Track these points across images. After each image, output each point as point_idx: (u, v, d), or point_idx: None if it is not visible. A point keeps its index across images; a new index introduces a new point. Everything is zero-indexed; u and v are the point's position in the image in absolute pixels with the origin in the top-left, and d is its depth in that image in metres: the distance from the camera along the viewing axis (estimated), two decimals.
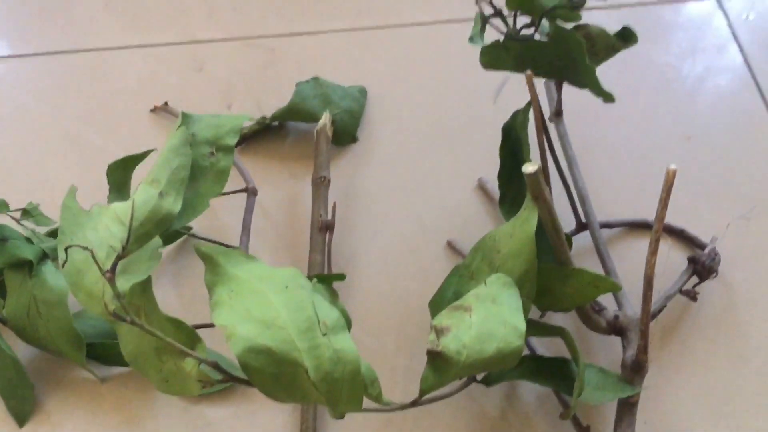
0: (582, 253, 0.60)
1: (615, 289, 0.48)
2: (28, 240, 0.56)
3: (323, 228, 0.58)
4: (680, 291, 0.56)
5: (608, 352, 0.56)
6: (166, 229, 0.44)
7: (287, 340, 0.39)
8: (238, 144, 0.66)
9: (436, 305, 0.50)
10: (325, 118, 0.63)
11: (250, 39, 0.76)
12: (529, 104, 0.51)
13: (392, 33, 0.76)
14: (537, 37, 0.50)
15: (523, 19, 0.52)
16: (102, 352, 0.55)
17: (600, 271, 0.55)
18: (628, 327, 0.52)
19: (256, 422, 0.54)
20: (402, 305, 0.59)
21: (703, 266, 0.57)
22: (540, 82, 0.65)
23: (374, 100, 0.71)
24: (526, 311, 0.45)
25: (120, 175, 0.51)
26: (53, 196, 0.64)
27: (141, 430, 0.53)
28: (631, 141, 0.68)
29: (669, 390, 0.55)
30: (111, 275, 0.40)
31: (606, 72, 0.70)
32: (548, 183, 0.51)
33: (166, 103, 0.70)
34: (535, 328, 0.49)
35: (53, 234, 0.60)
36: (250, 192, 0.60)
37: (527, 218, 0.46)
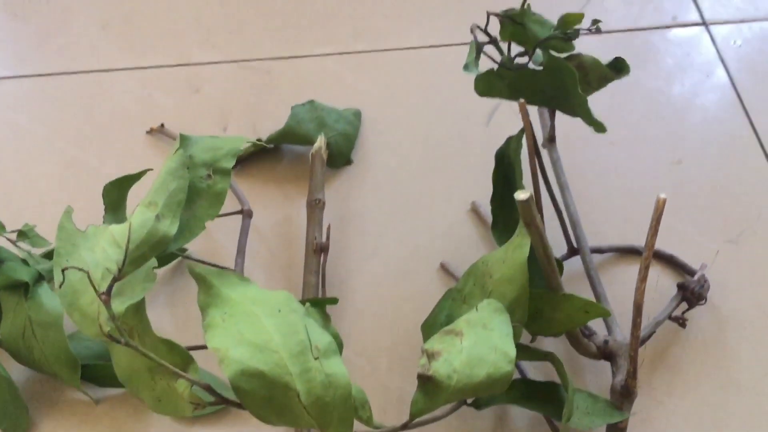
0: (573, 278, 0.60)
1: (605, 314, 0.48)
2: (24, 262, 0.56)
3: (318, 250, 0.59)
4: (669, 317, 0.57)
5: (597, 377, 0.56)
6: (162, 251, 0.45)
7: (279, 363, 0.39)
8: (233, 166, 0.66)
9: (429, 328, 0.51)
10: (320, 141, 0.64)
11: (246, 62, 0.77)
12: (522, 131, 0.52)
13: (387, 57, 0.77)
14: (531, 66, 0.51)
15: (517, 47, 0.53)
16: (96, 373, 0.55)
17: (590, 296, 0.56)
18: (618, 352, 0.52)
19: None
20: (395, 327, 0.60)
21: (692, 293, 0.57)
22: (533, 109, 0.66)
23: (369, 123, 0.72)
24: (517, 336, 0.46)
25: (116, 195, 0.51)
26: (49, 218, 0.64)
27: None
28: (622, 166, 0.69)
29: (658, 416, 0.55)
30: (106, 297, 0.40)
31: (596, 97, 0.71)
32: (540, 208, 0.52)
33: (162, 125, 0.71)
34: (525, 352, 0.50)
35: (49, 255, 0.60)
36: (246, 214, 0.61)
37: (520, 244, 0.47)
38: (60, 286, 0.43)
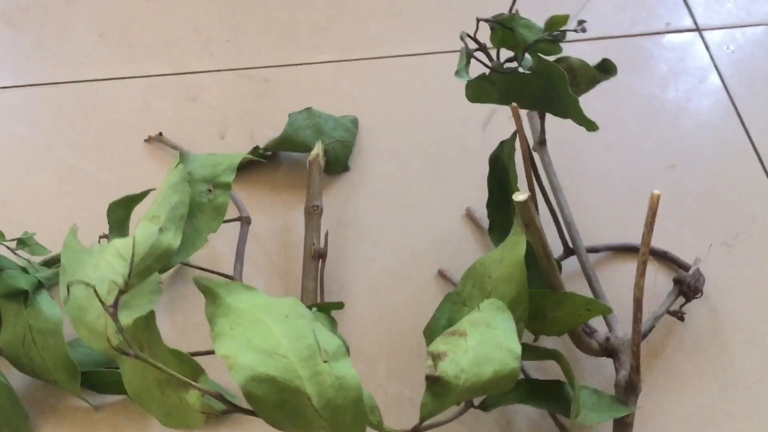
0: (570, 277, 0.61)
1: (606, 311, 0.49)
2: (24, 270, 0.56)
3: (316, 256, 0.59)
4: (668, 312, 0.58)
5: (599, 374, 0.57)
6: (166, 264, 0.45)
7: (289, 368, 0.39)
8: None
9: (430, 333, 0.51)
10: (318, 148, 0.65)
11: (243, 70, 0.77)
12: (514, 135, 0.53)
13: (383, 64, 0.78)
14: (521, 70, 0.51)
15: (506, 53, 0.54)
16: (96, 380, 0.55)
17: (588, 294, 0.56)
18: (620, 349, 0.53)
19: None
20: (393, 332, 0.60)
21: (688, 287, 0.58)
22: (524, 113, 0.66)
23: (366, 130, 0.72)
24: (519, 333, 0.46)
25: (120, 214, 0.52)
26: (48, 226, 0.65)
27: None
28: (616, 170, 0.69)
29: (658, 409, 0.56)
30: (114, 310, 0.40)
31: (590, 103, 0.72)
32: (536, 207, 0.52)
33: (160, 134, 0.71)
34: (529, 352, 0.50)
35: (48, 263, 0.61)
36: (244, 221, 0.61)
37: (516, 243, 0.47)
38: (65, 303, 0.43)
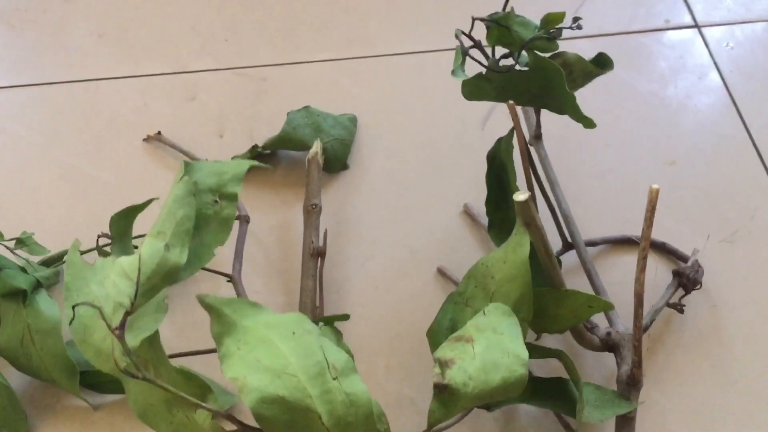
0: (569, 271, 0.61)
1: (608, 308, 0.49)
2: (22, 269, 0.56)
3: (315, 254, 0.59)
4: (668, 304, 0.58)
5: (600, 369, 0.57)
6: (173, 281, 0.44)
7: (299, 387, 0.39)
8: None
9: (434, 334, 0.51)
10: (316, 147, 0.65)
11: (241, 69, 0.77)
12: (511, 132, 0.53)
13: (381, 62, 0.78)
14: (517, 67, 0.51)
15: (502, 50, 0.54)
16: (95, 380, 0.55)
17: (587, 287, 0.56)
18: (621, 343, 0.53)
19: None
20: (393, 330, 0.60)
21: (687, 279, 0.58)
22: (520, 107, 0.66)
23: (364, 128, 0.72)
24: (523, 334, 0.46)
25: (122, 225, 0.51)
26: (47, 226, 0.65)
27: None
28: (616, 166, 0.69)
29: (658, 405, 0.56)
30: (120, 332, 0.40)
31: (590, 99, 0.72)
32: (536, 206, 0.52)
33: (159, 133, 0.71)
34: (533, 350, 0.50)
35: (47, 263, 0.61)
36: (243, 220, 0.61)
37: (519, 243, 0.47)
38: (70, 323, 0.43)
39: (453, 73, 0.50)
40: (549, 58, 0.51)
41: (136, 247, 0.46)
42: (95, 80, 0.77)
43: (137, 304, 0.42)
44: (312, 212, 0.61)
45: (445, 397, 0.42)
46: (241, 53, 0.78)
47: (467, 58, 0.52)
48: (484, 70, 0.52)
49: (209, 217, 0.48)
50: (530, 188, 0.54)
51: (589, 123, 0.50)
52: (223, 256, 0.63)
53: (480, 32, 0.53)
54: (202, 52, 0.79)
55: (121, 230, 0.51)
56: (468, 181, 0.68)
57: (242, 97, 0.75)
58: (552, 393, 0.51)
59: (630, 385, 0.51)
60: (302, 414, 0.39)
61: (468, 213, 0.66)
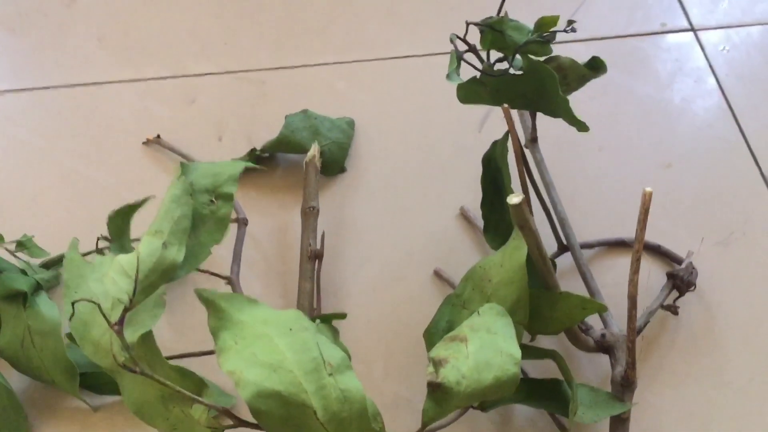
0: (564, 273, 0.61)
1: (602, 310, 0.49)
2: (23, 272, 0.57)
3: (312, 257, 0.59)
4: (661, 306, 0.58)
5: (594, 370, 0.57)
6: (170, 278, 0.45)
7: (294, 382, 0.40)
8: None
9: (431, 335, 0.51)
10: (314, 150, 0.65)
11: (240, 72, 0.78)
12: (507, 135, 0.53)
13: (379, 66, 0.78)
14: (511, 71, 0.52)
15: (495, 53, 0.54)
16: (95, 381, 0.55)
17: (582, 289, 0.57)
18: (615, 345, 0.54)
19: None
20: (390, 332, 0.60)
21: (681, 281, 0.59)
22: (515, 111, 0.67)
23: (362, 131, 0.73)
24: (519, 336, 0.47)
25: (120, 224, 0.52)
26: (47, 228, 0.65)
27: None
28: (611, 169, 0.70)
29: (652, 406, 0.56)
30: (119, 328, 0.40)
31: (586, 103, 0.72)
32: (530, 208, 0.53)
33: (158, 136, 0.72)
34: (527, 351, 0.51)
35: (47, 265, 0.61)
36: (241, 222, 0.62)
37: (517, 247, 0.48)
38: (70, 319, 0.43)
39: (448, 77, 0.51)
40: (543, 61, 0.51)
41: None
42: (95, 84, 0.77)
43: (136, 301, 0.42)
44: (310, 215, 0.62)
45: (439, 395, 0.42)
46: (240, 57, 0.79)
47: (462, 62, 0.52)
48: (478, 74, 0.52)
49: (205, 216, 0.49)
50: (525, 191, 0.54)
51: (582, 126, 0.50)
52: (221, 258, 0.64)
53: (475, 36, 0.54)
54: (201, 55, 0.79)
55: (119, 228, 0.51)
56: (464, 183, 0.68)
57: (241, 100, 0.75)
58: (547, 394, 0.52)
59: (624, 386, 0.51)
60: (297, 409, 0.39)
61: (464, 215, 0.66)
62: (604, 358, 0.56)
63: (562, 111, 0.51)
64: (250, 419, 0.41)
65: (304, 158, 0.65)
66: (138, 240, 0.46)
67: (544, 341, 0.57)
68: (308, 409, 0.39)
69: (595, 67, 0.53)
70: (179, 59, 0.79)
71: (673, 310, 0.59)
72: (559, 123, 0.53)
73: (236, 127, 0.73)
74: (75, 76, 0.78)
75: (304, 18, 0.82)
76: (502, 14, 0.53)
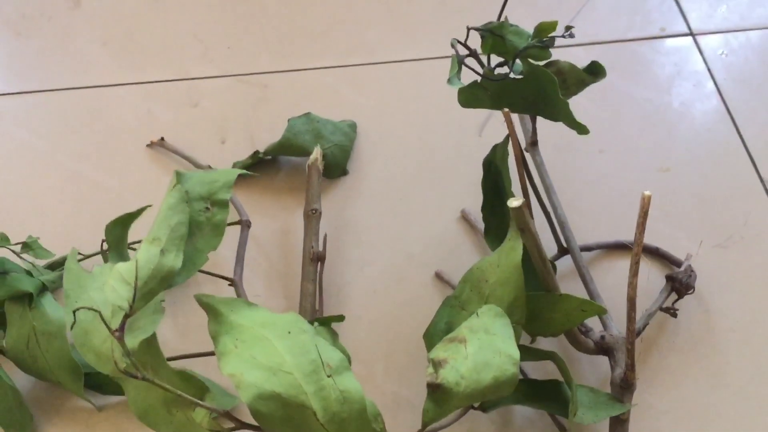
0: (564, 276, 0.62)
1: (601, 312, 0.50)
2: (28, 273, 0.57)
3: (315, 258, 0.60)
4: (660, 308, 0.59)
5: (594, 371, 0.58)
6: (169, 285, 0.45)
7: (294, 384, 0.40)
8: None
9: (430, 337, 0.52)
10: (317, 153, 0.65)
11: (243, 76, 0.78)
12: (507, 139, 0.54)
13: (381, 70, 0.79)
14: (511, 75, 0.52)
15: (496, 58, 0.55)
16: (99, 381, 0.56)
17: (582, 292, 0.57)
18: (615, 346, 0.54)
19: None
20: (391, 333, 0.61)
21: (680, 283, 0.59)
22: (515, 115, 0.67)
23: (364, 134, 0.73)
24: (517, 336, 0.47)
25: (118, 233, 0.53)
26: (52, 230, 0.66)
27: None
28: (611, 172, 0.70)
29: (652, 407, 0.56)
30: (120, 334, 0.41)
31: (586, 107, 0.73)
32: (530, 212, 0.53)
33: (162, 139, 0.72)
34: (527, 353, 0.51)
35: (52, 267, 0.62)
36: (244, 224, 0.62)
37: (512, 247, 0.48)
38: (72, 328, 0.44)
39: (449, 81, 0.51)
40: (543, 66, 0.52)
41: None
42: (99, 87, 0.78)
43: (135, 307, 0.43)
44: (312, 217, 0.62)
45: (439, 396, 0.43)
46: (243, 61, 0.80)
47: (463, 66, 0.53)
48: (479, 79, 0.53)
49: (202, 223, 0.49)
50: (525, 194, 0.55)
51: (582, 129, 0.51)
52: (224, 259, 0.64)
53: (475, 41, 0.54)
54: (204, 59, 0.80)
55: (117, 237, 0.52)
56: (465, 187, 0.69)
57: (244, 103, 0.76)
58: (547, 395, 0.52)
59: (623, 387, 0.52)
60: (298, 410, 0.40)
61: (465, 218, 0.67)
62: (604, 360, 0.56)
63: (562, 114, 0.51)
64: (252, 421, 0.42)
65: (306, 161, 0.65)
66: (138, 242, 0.47)
67: (544, 343, 0.58)
68: (308, 410, 0.40)
69: (595, 71, 0.54)
70: (183, 63, 0.79)
71: (672, 312, 0.59)
72: (560, 127, 0.54)
73: (239, 130, 0.74)
74: (79, 79, 0.78)
75: (307, 22, 0.83)
76: (502, 19, 0.54)
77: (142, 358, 0.43)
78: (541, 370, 0.57)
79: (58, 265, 0.62)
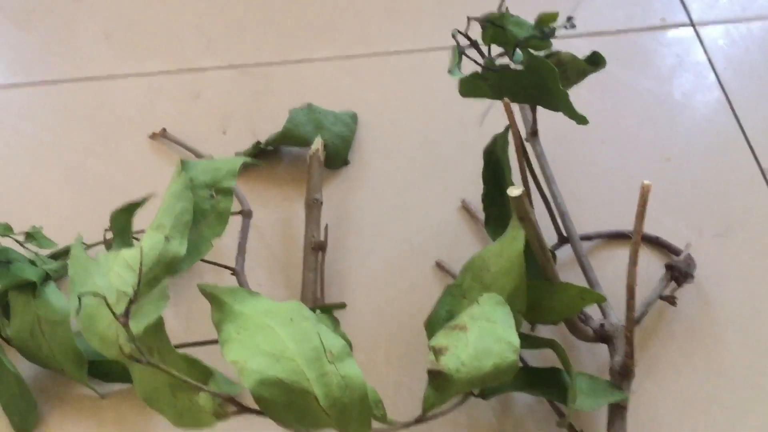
0: (565, 265, 0.62)
1: (600, 300, 0.50)
2: (32, 262, 0.58)
3: (316, 248, 0.60)
4: (660, 297, 0.59)
5: (594, 359, 0.58)
6: (173, 271, 0.46)
7: (296, 370, 0.40)
8: None
9: (432, 325, 0.52)
10: (318, 143, 0.66)
11: (244, 67, 0.79)
12: (507, 129, 0.54)
13: (382, 60, 0.79)
14: (512, 65, 0.53)
15: (497, 49, 0.55)
16: (103, 369, 0.56)
17: (582, 281, 0.58)
18: (614, 334, 0.54)
19: None
20: (392, 322, 0.61)
21: (680, 272, 0.60)
22: (516, 105, 0.67)
23: (365, 125, 0.74)
24: (517, 325, 0.48)
25: (122, 221, 0.53)
26: (55, 220, 0.66)
27: None
28: (611, 162, 0.70)
29: (651, 395, 0.57)
30: (125, 319, 0.41)
31: (586, 97, 0.73)
32: (530, 201, 0.54)
33: (164, 130, 0.73)
34: (527, 341, 0.52)
35: (56, 256, 0.62)
36: (246, 214, 0.63)
37: (515, 237, 0.48)
38: (77, 314, 0.44)
39: (450, 71, 0.52)
40: (543, 56, 0.52)
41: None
42: (101, 78, 0.78)
43: (140, 293, 0.43)
44: (313, 207, 0.62)
45: (439, 382, 0.43)
46: (245, 52, 0.80)
47: (464, 57, 0.53)
48: (480, 69, 0.53)
49: (206, 211, 0.50)
50: (525, 184, 0.55)
51: (582, 120, 0.51)
52: (226, 249, 0.65)
53: (476, 32, 0.54)
54: (206, 51, 0.80)
55: (122, 225, 0.52)
56: (466, 177, 0.69)
57: (245, 94, 0.76)
58: (546, 382, 0.52)
59: (622, 375, 0.52)
60: (300, 396, 0.40)
61: (466, 208, 0.67)
62: (603, 348, 0.56)
63: (562, 105, 0.52)
64: (255, 407, 0.42)
65: (307, 151, 0.66)
66: (142, 231, 0.47)
67: (544, 331, 0.58)
68: (310, 395, 0.40)
69: (595, 61, 0.54)
70: (184, 54, 0.80)
71: (671, 300, 0.60)
72: (561, 117, 0.54)
73: (240, 121, 0.74)
74: (81, 71, 0.79)
75: (308, 13, 0.83)
76: (503, 10, 0.54)
77: (148, 342, 0.44)
78: (541, 358, 0.57)
79: (61, 255, 0.62)
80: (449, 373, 0.43)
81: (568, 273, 0.61)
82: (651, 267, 0.63)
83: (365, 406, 0.42)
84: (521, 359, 0.57)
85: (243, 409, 0.42)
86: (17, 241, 0.60)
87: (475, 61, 0.54)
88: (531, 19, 0.54)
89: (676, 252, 0.63)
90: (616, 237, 0.65)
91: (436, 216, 0.67)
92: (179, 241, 0.46)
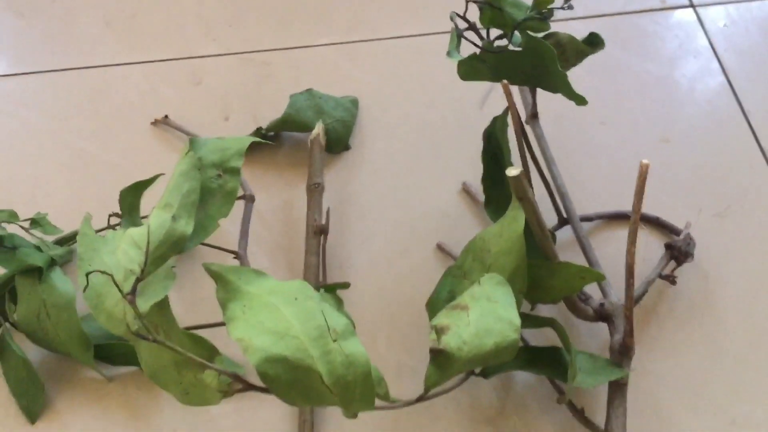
0: (565, 246, 0.62)
1: (599, 278, 0.51)
2: (37, 248, 0.58)
3: (318, 232, 0.61)
4: (659, 276, 0.60)
5: (594, 338, 0.59)
6: (180, 250, 0.46)
7: (301, 348, 0.41)
8: None
9: (433, 305, 0.53)
10: (319, 128, 0.66)
11: (245, 54, 0.79)
12: (506, 110, 0.54)
13: (382, 46, 0.79)
14: (510, 47, 0.53)
15: (495, 31, 0.55)
16: (109, 352, 0.57)
17: (583, 262, 0.58)
18: (614, 313, 0.55)
19: (257, 416, 0.56)
20: (394, 304, 0.62)
21: (679, 251, 0.60)
22: (516, 88, 0.68)
23: (365, 109, 0.74)
24: (518, 304, 0.48)
25: (131, 199, 0.53)
26: (59, 207, 0.67)
27: (147, 425, 0.56)
28: (611, 143, 0.71)
29: (651, 373, 0.57)
30: (132, 297, 0.42)
31: (586, 79, 0.73)
32: (530, 183, 0.54)
33: (166, 117, 0.73)
34: (527, 320, 0.52)
35: (61, 242, 0.63)
36: (248, 199, 0.63)
37: (515, 218, 0.49)
38: (84, 290, 0.45)
39: (448, 54, 0.52)
40: (542, 38, 0.52)
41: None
42: (103, 66, 0.79)
43: (147, 272, 0.44)
44: (315, 191, 0.63)
45: (441, 361, 0.43)
46: (245, 38, 0.80)
47: (462, 39, 0.53)
48: (478, 51, 0.53)
49: (213, 190, 0.50)
50: (524, 165, 0.55)
51: (580, 100, 0.51)
52: (229, 233, 0.65)
53: (474, 14, 0.55)
54: (207, 38, 0.80)
55: (130, 204, 0.53)
56: (466, 159, 0.69)
57: (246, 81, 0.77)
58: (547, 360, 0.53)
59: (622, 353, 0.53)
60: (304, 373, 0.41)
61: (466, 191, 0.68)
62: (603, 327, 0.57)
63: (560, 86, 0.52)
64: (260, 384, 0.43)
65: (309, 136, 0.66)
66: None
67: (545, 310, 0.59)
68: (314, 373, 0.41)
69: (593, 42, 0.54)
70: (185, 41, 0.80)
71: (671, 279, 0.60)
72: (561, 99, 0.54)
73: (242, 107, 0.74)
74: (83, 59, 0.79)
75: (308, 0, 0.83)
76: None
77: (154, 320, 0.44)
78: (542, 337, 0.58)
79: (66, 241, 0.63)
80: (451, 351, 0.43)
81: (569, 254, 0.62)
82: (651, 247, 0.63)
83: (368, 384, 0.42)
84: (522, 338, 0.58)
85: (248, 387, 0.42)
86: (23, 228, 0.60)
87: (474, 44, 0.54)
88: (529, 1, 0.54)
89: (676, 232, 0.63)
90: (617, 218, 0.65)
91: (436, 199, 0.67)
92: (186, 221, 0.46)
